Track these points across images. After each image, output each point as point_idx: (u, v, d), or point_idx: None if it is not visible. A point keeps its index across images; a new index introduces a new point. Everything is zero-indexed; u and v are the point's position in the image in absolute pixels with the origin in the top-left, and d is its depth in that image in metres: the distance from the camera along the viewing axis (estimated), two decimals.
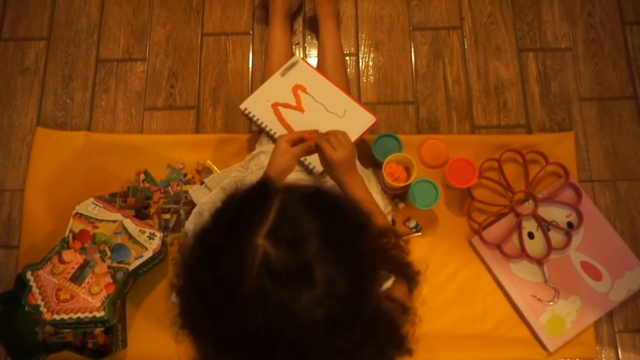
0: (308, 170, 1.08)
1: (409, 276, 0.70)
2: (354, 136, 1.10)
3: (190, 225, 1.09)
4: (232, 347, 0.52)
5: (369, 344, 0.58)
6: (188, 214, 1.18)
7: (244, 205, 0.55)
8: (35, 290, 1.03)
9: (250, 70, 1.34)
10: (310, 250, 0.50)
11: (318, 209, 0.54)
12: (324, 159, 0.89)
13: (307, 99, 1.14)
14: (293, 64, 1.17)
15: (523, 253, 1.13)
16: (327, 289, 0.49)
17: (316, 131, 0.92)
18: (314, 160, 1.03)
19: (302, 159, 1.04)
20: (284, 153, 0.88)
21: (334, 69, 1.23)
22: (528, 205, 1.17)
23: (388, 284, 0.64)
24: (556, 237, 1.16)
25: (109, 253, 1.06)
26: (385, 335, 0.61)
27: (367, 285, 0.55)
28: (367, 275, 0.55)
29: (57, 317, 1.01)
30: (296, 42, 1.36)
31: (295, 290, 0.48)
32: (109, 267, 1.05)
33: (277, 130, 1.11)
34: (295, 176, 1.02)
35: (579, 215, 1.16)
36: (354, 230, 0.56)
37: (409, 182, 1.08)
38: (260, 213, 0.52)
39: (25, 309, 1.03)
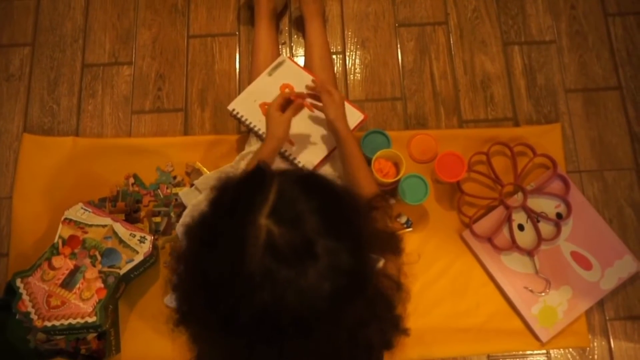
0: (290, 162, 1.11)
1: (395, 247, 0.72)
2: None
3: (181, 227, 1.09)
4: (240, 329, 0.52)
5: (370, 321, 0.60)
6: (179, 216, 1.18)
7: (243, 190, 0.57)
8: (25, 297, 1.02)
9: (238, 71, 1.34)
10: (311, 227, 0.51)
11: (314, 189, 0.57)
12: (328, 108, 1.01)
13: None
14: (280, 64, 1.17)
15: (514, 245, 1.14)
16: (330, 263, 0.50)
17: (302, 93, 1.04)
18: (296, 153, 1.12)
19: (287, 153, 1.11)
20: (279, 122, 0.99)
21: (321, 68, 1.23)
22: (517, 198, 1.18)
23: (380, 264, 0.67)
24: (546, 228, 1.17)
25: (99, 258, 1.06)
26: (384, 312, 0.64)
27: (366, 259, 0.57)
28: (365, 249, 0.57)
29: (49, 324, 1.00)
30: (282, 41, 1.36)
31: (301, 266, 0.50)
32: (99, 272, 1.05)
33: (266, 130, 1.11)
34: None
35: (568, 205, 1.17)
36: (349, 209, 0.58)
37: (398, 177, 1.09)
38: (260, 195, 0.53)
39: (16, 316, 1.02)
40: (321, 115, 1.12)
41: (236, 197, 0.56)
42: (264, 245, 0.50)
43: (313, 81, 1.08)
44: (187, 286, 0.60)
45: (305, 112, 1.13)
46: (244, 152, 1.14)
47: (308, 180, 0.58)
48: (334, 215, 0.55)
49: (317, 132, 1.13)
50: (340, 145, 1.03)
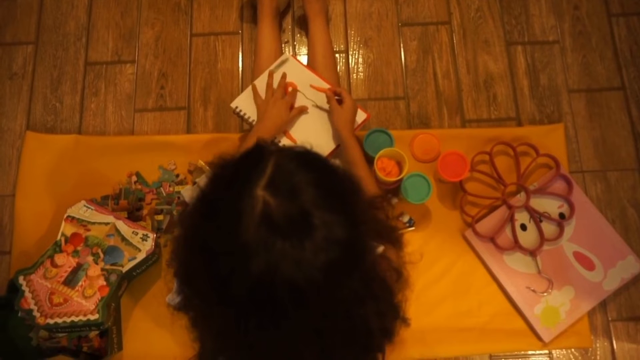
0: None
1: (395, 239, 0.73)
2: None
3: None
4: (236, 300, 0.53)
5: (368, 300, 0.61)
6: (180, 214, 1.18)
7: (241, 165, 0.58)
8: (27, 294, 1.02)
9: (240, 69, 1.34)
10: (307, 198, 0.52)
11: (310, 164, 0.58)
12: (333, 115, 1.08)
13: (298, 96, 1.14)
14: (283, 62, 1.17)
15: (516, 245, 1.14)
16: (325, 235, 0.51)
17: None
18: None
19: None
20: (283, 117, 1.07)
21: (324, 66, 1.23)
22: (520, 197, 1.18)
23: (379, 249, 0.68)
24: (548, 228, 1.16)
25: (102, 255, 1.06)
26: (382, 292, 0.64)
27: (361, 234, 0.57)
28: (361, 226, 0.58)
29: (51, 322, 1.00)
30: (285, 40, 1.36)
31: (296, 237, 0.50)
32: (102, 269, 1.05)
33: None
34: None
35: (571, 206, 1.17)
36: (345, 185, 0.60)
37: (400, 176, 1.09)
38: (258, 169, 0.54)
39: (19, 314, 1.02)
40: (324, 111, 1.13)
41: (234, 171, 0.57)
42: (259, 216, 0.51)
43: (330, 89, 1.12)
44: (187, 261, 0.61)
45: (308, 109, 1.13)
46: None
47: (305, 155, 0.59)
48: (329, 189, 0.55)
49: (320, 129, 1.13)
50: (342, 150, 1.07)
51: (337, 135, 1.10)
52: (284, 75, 1.14)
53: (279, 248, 0.50)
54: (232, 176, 0.57)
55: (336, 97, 1.10)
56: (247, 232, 0.50)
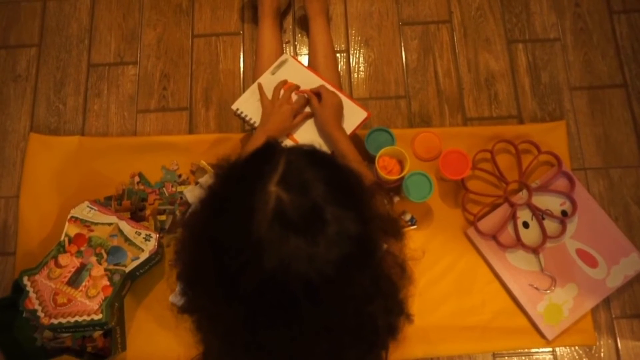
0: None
1: (397, 231, 0.73)
2: (347, 131, 1.10)
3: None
4: (248, 296, 0.53)
5: (375, 297, 0.61)
6: (184, 214, 1.18)
7: (253, 162, 0.58)
8: (32, 295, 1.03)
9: (242, 70, 1.35)
10: (319, 194, 0.53)
11: (320, 161, 0.59)
12: (315, 114, 1.09)
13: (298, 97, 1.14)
14: (283, 62, 1.17)
15: (519, 242, 1.14)
16: (338, 230, 0.51)
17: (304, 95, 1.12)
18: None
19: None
20: (286, 123, 1.08)
21: (325, 66, 1.23)
22: (522, 195, 1.18)
23: (384, 247, 0.67)
24: (551, 225, 1.16)
25: (105, 256, 1.06)
26: (389, 289, 0.65)
27: (371, 230, 0.58)
28: (370, 221, 0.58)
29: (55, 322, 1.01)
30: (287, 40, 1.37)
31: (310, 232, 0.50)
32: (105, 269, 1.05)
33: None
34: None
35: (573, 203, 1.16)
36: (352, 181, 0.60)
37: (402, 174, 1.09)
38: (270, 165, 0.54)
39: (23, 314, 1.03)
40: None
41: (246, 168, 0.58)
42: (272, 212, 0.51)
43: (312, 89, 1.12)
44: (194, 260, 0.61)
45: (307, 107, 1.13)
46: None
47: (314, 153, 0.60)
48: (339, 185, 0.56)
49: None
50: (331, 145, 1.07)
51: (322, 133, 1.10)
52: (286, 79, 1.14)
53: (292, 243, 0.50)
54: (244, 173, 0.57)
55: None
56: (260, 228, 0.50)
